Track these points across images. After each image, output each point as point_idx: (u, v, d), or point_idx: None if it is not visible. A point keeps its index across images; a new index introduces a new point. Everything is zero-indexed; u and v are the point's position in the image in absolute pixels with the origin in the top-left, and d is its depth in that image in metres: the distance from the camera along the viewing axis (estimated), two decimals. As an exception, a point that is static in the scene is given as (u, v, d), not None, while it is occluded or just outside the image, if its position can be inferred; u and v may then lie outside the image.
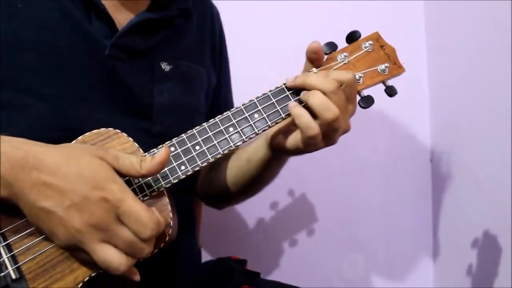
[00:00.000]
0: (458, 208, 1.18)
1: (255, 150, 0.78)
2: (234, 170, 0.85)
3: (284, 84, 0.68)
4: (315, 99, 0.64)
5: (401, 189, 1.31)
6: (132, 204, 0.54)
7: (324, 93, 0.64)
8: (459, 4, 1.15)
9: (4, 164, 0.53)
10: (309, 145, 0.66)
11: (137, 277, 0.57)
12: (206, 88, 0.86)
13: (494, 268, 0.98)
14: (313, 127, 0.64)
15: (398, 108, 1.24)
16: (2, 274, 0.55)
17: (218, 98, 0.91)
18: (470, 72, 1.11)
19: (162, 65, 0.77)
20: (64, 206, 0.53)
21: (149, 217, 0.54)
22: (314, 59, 0.69)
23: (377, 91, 0.71)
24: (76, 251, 0.55)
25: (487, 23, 1.04)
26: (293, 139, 0.69)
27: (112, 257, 0.53)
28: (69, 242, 0.54)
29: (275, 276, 1.31)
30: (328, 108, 0.63)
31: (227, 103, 0.96)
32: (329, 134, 0.65)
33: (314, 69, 0.69)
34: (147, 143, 0.64)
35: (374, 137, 1.30)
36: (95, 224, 0.53)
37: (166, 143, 0.63)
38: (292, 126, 0.70)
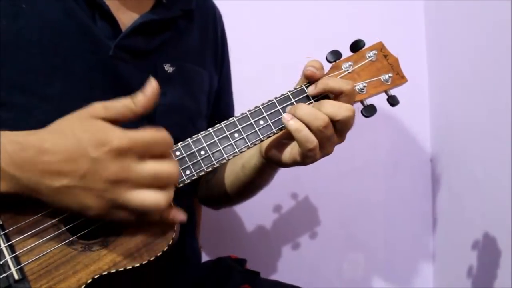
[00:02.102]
0: (458, 208, 1.19)
1: (249, 157, 0.78)
2: (230, 174, 0.85)
3: (290, 91, 0.68)
4: (302, 112, 0.64)
5: (401, 189, 1.31)
6: (135, 138, 0.53)
7: (311, 129, 0.64)
8: (459, 4, 1.15)
9: (5, 159, 0.52)
10: (307, 158, 0.66)
11: (182, 217, 0.58)
12: (208, 90, 0.86)
13: (494, 268, 0.98)
14: (312, 140, 0.64)
15: (398, 108, 1.23)
16: (5, 274, 0.55)
17: (220, 100, 0.92)
18: (470, 72, 1.11)
19: (165, 66, 0.77)
20: (80, 176, 0.52)
21: (156, 132, 0.55)
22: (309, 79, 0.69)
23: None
24: (115, 211, 0.55)
25: (487, 23, 1.04)
26: (290, 152, 0.69)
27: (147, 197, 0.53)
28: (102, 205, 0.53)
29: (275, 275, 1.31)
30: (317, 117, 0.63)
31: (228, 105, 0.96)
32: (324, 145, 0.65)
33: None
34: None
35: (374, 137, 1.30)
36: (115, 178, 0.52)
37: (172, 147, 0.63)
38: (284, 140, 0.71)
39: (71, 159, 0.52)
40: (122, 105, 0.56)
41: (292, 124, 0.64)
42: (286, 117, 0.65)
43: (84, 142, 0.53)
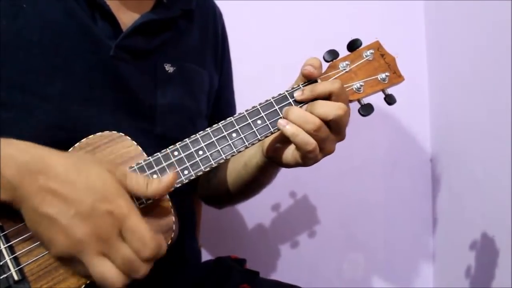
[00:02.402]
0: (458, 208, 1.19)
1: (251, 156, 0.78)
2: (232, 173, 0.85)
3: (287, 91, 0.68)
4: (294, 116, 0.64)
5: (401, 189, 1.32)
6: (137, 222, 0.53)
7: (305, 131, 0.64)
8: (459, 4, 1.15)
9: (11, 167, 0.52)
10: (308, 159, 0.66)
11: None
12: (208, 89, 0.86)
13: (493, 268, 0.98)
14: (311, 142, 0.63)
15: (398, 108, 1.23)
16: (5, 275, 0.55)
17: (220, 99, 0.91)
18: (470, 72, 1.11)
19: (166, 66, 0.77)
20: (69, 215, 0.52)
21: (152, 238, 0.53)
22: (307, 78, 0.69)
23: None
24: (70, 262, 0.54)
25: (487, 23, 1.04)
26: (291, 154, 0.68)
27: (109, 271, 0.52)
28: (66, 251, 0.52)
29: (274, 275, 1.31)
30: (308, 121, 0.63)
31: (230, 104, 0.96)
32: (322, 145, 0.65)
33: (319, 79, 0.69)
34: (149, 144, 0.64)
35: (374, 137, 1.30)
36: (98, 236, 0.52)
37: (170, 147, 0.63)
38: (281, 143, 0.70)
39: (72, 197, 0.52)
40: (136, 182, 0.57)
41: (289, 129, 0.64)
42: (282, 123, 0.65)
43: (94, 190, 0.53)
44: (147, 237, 0.53)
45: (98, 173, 0.54)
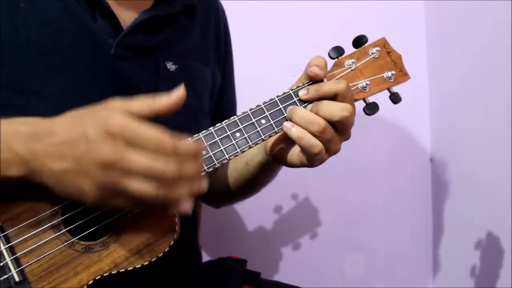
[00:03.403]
0: (458, 208, 1.19)
1: (253, 155, 0.78)
2: (233, 172, 0.85)
3: (292, 89, 0.67)
4: (298, 117, 0.63)
5: (401, 189, 1.32)
6: (137, 126, 0.51)
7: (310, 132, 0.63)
8: (459, 4, 1.15)
9: (18, 141, 0.52)
10: (315, 161, 0.65)
11: (187, 206, 0.54)
12: (211, 87, 0.85)
13: (494, 268, 0.99)
14: (317, 145, 0.63)
15: (399, 109, 1.23)
16: (6, 276, 0.55)
17: (223, 97, 0.91)
18: (470, 73, 1.11)
19: (168, 64, 0.76)
20: (76, 159, 0.51)
21: (159, 134, 0.51)
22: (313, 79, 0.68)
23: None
24: (113, 199, 0.52)
25: (487, 23, 1.04)
26: (297, 155, 0.68)
27: (144, 186, 0.50)
28: (97, 191, 0.51)
29: (275, 276, 1.31)
30: (312, 122, 0.63)
31: (232, 103, 0.96)
32: (328, 146, 0.64)
33: (324, 78, 0.67)
34: None
35: (375, 137, 1.30)
36: (106, 160, 0.49)
37: None
38: (282, 144, 0.70)
39: (71, 141, 0.52)
40: (141, 100, 0.54)
41: (294, 132, 0.63)
42: (287, 125, 0.64)
43: (87, 122, 0.52)
44: (153, 135, 0.50)
45: (92, 111, 0.53)
